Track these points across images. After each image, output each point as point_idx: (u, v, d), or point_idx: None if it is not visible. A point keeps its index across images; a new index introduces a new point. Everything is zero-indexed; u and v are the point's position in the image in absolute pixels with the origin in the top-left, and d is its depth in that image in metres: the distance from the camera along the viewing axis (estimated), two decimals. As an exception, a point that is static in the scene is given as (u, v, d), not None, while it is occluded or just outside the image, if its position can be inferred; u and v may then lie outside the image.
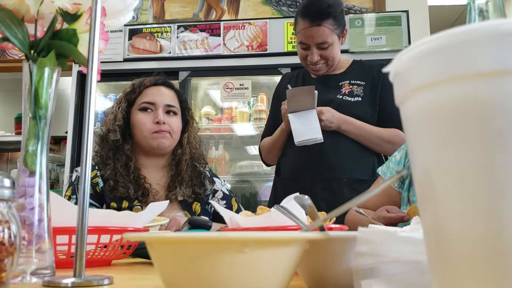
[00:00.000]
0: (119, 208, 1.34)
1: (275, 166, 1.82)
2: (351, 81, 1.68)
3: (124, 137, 1.45)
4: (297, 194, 0.55)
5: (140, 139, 1.45)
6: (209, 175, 1.55)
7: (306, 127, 1.55)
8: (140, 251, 0.89)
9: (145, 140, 1.44)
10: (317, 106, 1.57)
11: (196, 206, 1.45)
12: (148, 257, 0.86)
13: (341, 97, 1.65)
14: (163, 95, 1.48)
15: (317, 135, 1.53)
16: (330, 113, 1.57)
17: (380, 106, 1.63)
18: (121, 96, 1.52)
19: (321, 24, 1.59)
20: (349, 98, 1.64)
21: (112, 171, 1.38)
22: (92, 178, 1.37)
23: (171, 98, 1.50)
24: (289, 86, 1.64)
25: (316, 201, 1.42)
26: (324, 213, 0.79)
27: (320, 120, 1.54)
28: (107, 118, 1.48)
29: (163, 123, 1.43)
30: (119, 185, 1.36)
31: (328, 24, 1.59)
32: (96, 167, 1.41)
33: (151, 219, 0.98)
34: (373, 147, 1.61)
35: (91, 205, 1.34)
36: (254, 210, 0.98)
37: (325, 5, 1.59)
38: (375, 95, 1.64)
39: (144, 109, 1.46)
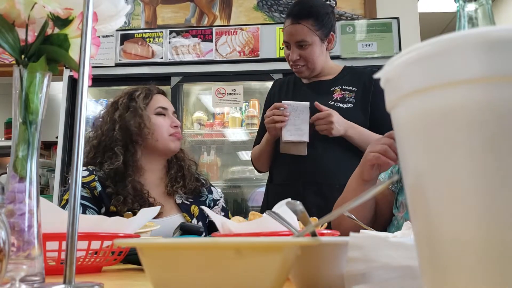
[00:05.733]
0: (118, 211, 1.35)
1: (267, 172, 1.81)
2: (343, 87, 1.68)
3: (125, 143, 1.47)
4: (289, 199, 0.55)
5: (158, 141, 1.47)
6: (205, 183, 1.60)
7: (295, 127, 1.56)
8: (131, 257, 0.89)
9: (163, 142, 1.48)
10: (314, 112, 1.57)
11: (195, 209, 1.48)
12: (139, 263, 0.85)
13: (333, 103, 1.65)
14: (169, 102, 1.58)
15: (303, 138, 1.55)
16: (338, 116, 1.55)
17: (372, 113, 1.64)
18: (116, 104, 1.51)
19: (300, 23, 1.61)
20: (341, 105, 1.64)
21: (109, 173, 1.40)
22: (90, 182, 1.38)
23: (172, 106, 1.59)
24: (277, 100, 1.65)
25: (309, 207, 1.41)
26: (316, 218, 0.79)
27: (330, 123, 1.52)
28: (103, 129, 1.49)
29: (180, 127, 1.54)
30: (118, 187, 1.38)
31: (308, 24, 1.61)
32: (94, 172, 1.41)
33: (143, 225, 0.97)
34: None
35: (89, 208, 1.35)
36: (246, 216, 0.98)
37: (307, 5, 1.63)
38: (366, 102, 1.64)
39: (159, 113, 1.51)
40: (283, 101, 1.59)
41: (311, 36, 1.62)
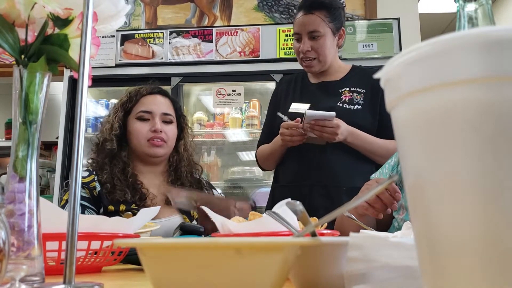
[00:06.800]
0: (116, 211, 1.35)
1: (272, 173, 1.80)
2: (351, 88, 1.66)
3: (120, 145, 1.48)
4: (289, 199, 0.55)
5: (137, 147, 1.48)
6: (206, 184, 1.59)
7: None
8: (131, 257, 0.89)
9: (141, 148, 1.47)
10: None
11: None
12: (139, 263, 0.85)
13: (341, 105, 1.63)
14: (160, 104, 1.52)
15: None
16: (343, 127, 1.53)
17: (380, 115, 1.63)
18: (117, 105, 1.54)
19: (313, 13, 1.62)
20: (350, 106, 1.63)
21: (109, 175, 1.41)
22: (89, 183, 1.39)
23: (167, 107, 1.53)
24: (282, 116, 1.60)
25: (316, 209, 1.40)
26: (316, 218, 0.79)
27: (335, 134, 1.50)
28: (103, 128, 1.51)
29: (160, 131, 1.47)
30: (116, 188, 1.38)
31: (321, 14, 1.62)
32: (94, 172, 1.43)
33: (142, 225, 0.97)
34: (376, 159, 1.59)
35: (88, 208, 1.36)
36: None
37: None
38: (375, 104, 1.63)
39: (141, 118, 1.49)
40: (308, 111, 1.52)
41: (324, 27, 1.62)
